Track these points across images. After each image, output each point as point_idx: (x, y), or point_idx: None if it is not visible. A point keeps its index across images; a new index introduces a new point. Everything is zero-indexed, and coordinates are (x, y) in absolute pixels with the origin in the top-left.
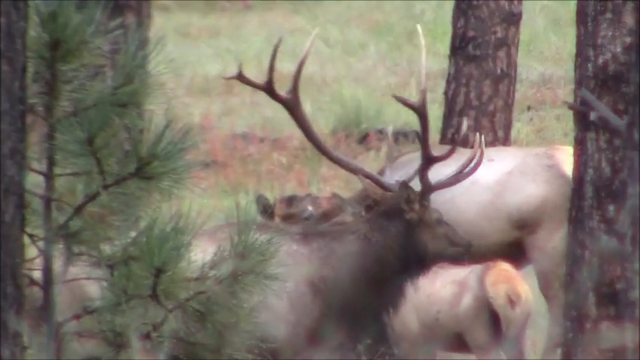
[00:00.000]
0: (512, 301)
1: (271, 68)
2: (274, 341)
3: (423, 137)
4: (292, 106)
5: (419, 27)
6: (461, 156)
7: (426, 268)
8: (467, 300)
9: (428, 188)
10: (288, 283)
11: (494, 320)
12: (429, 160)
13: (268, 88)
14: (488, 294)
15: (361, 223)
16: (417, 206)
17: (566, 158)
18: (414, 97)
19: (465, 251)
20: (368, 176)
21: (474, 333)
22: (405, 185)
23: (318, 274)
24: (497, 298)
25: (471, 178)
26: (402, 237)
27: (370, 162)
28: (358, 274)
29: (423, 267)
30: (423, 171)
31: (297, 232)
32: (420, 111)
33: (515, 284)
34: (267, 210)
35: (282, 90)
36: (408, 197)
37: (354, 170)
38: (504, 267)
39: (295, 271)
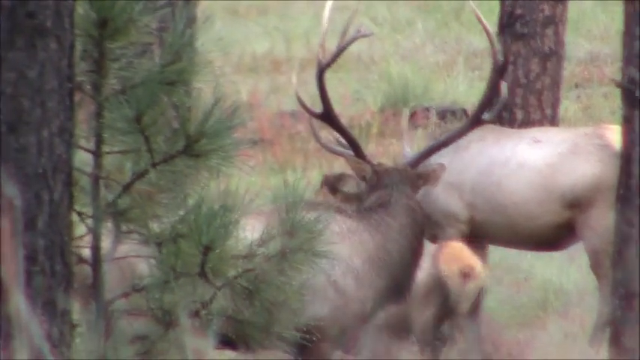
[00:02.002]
0: (465, 275)
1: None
2: (336, 321)
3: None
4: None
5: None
6: (500, 133)
7: None
8: (421, 278)
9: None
10: (354, 259)
11: (443, 306)
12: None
13: (326, 116)
14: (442, 272)
15: (399, 195)
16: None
17: (616, 137)
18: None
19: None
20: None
21: (422, 315)
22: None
23: (381, 249)
24: (451, 276)
25: (517, 160)
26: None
27: (418, 140)
28: (414, 243)
29: None
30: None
31: (352, 209)
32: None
33: (467, 260)
34: (334, 188)
35: (330, 67)
36: (430, 174)
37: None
38: (457, 245)
39: (360, 247)
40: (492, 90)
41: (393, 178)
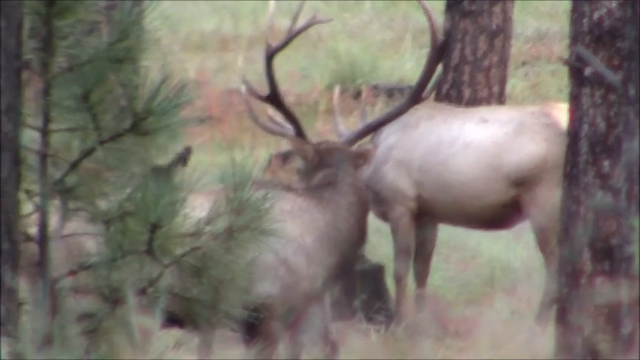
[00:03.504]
0: None
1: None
2: (286, 300)
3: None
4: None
5: None
6: (449, 113)
7: None
8: None
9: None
10: (305, 237)
11: None
12: None
13: (273, 98)
14: None
15: (344, 174)
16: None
17: (562, 116)
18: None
19: None
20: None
21: None
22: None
23: (332, 226)
24: None
25: (464, 139)
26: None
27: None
28: (360, 221)
29: None
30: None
31: (302, 187)
32: (272, 100)
33: None
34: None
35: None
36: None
37: (284, 135)
38: None
39: (311, 225)
40: (431, 69)
41: (335, 158)
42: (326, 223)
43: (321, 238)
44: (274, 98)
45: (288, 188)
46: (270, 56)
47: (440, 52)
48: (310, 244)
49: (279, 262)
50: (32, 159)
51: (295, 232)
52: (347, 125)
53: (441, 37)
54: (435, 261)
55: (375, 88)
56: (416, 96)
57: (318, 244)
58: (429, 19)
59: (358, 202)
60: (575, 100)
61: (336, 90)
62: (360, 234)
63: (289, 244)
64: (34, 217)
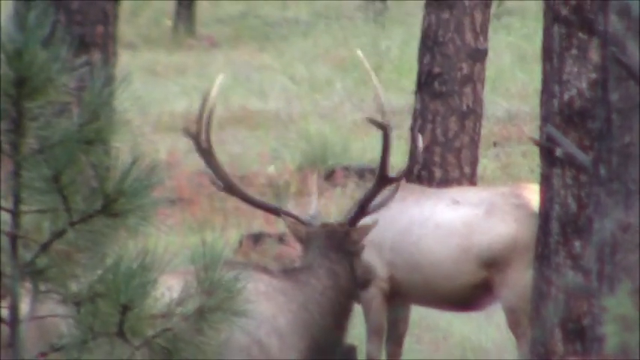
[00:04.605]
0: None
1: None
2: None
3: (385, 153)
4: (204, 151)
5: (359, 52)
6: (421, 194)
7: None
8: None
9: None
10: (279, 319)
11: None
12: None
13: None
14: None
15: (322, 258)
16: (356, 237)
17: (533, 197)
18: (379, 135)
19: (370, 277)
20: (289, 214)
21: None
22: (307, 221)
23: (305, 310)
24: None
25: (435, 220)
26: (352, 268)
27: (337, 198)
28: (336, 307)
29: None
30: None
31: (277, 268)
32: (386, 128)
33: None
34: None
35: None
36: (352, 236)
37: (274, 211)
38: None
39: (284, 307)
40: (386, 150)
41: (319, 241)
42: (298, 305)
43: (294, 320)
44: (230, 189)
45: (264, 269)
46: (206, 156)
47: (387, 133)
48: (283, 326)
49: (252, 343)
50: (3, 240)
51: (268, 313)
52: (319, 207)
53: (386, 121)
54: (408, 342)
55: (346, 169)
56: (382, 178)
57: (291, 327)
58: (378, 96)
59: (334, 287)
60: (546, 181)
61: (314, 176)
62: (335, 319)
63: (263, 324)
64: (6, 299)
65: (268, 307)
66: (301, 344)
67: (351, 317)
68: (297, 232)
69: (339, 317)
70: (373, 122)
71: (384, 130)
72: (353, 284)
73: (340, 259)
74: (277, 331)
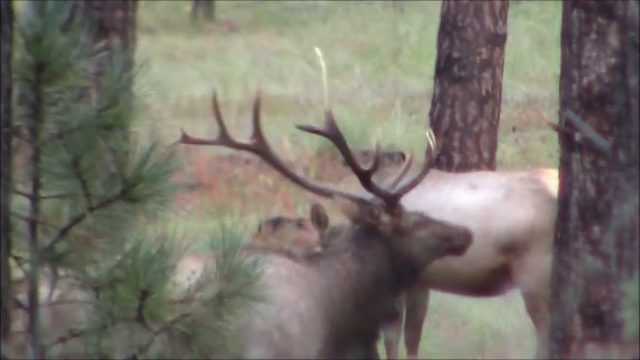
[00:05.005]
0: None
1: (218, 117)
2: None
3: (346, 156)
4: (260, 150)
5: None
6: (439, 178)
7: (418, 274)
8: None
9: (387, 197)
10: (300, 304)
11: None
12: (363, 174)
13: (225, 141)
14: None
15: (350, 242)
16: (386, 218)
17: (551, 182)
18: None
19: (464, 241)
20: (346, 197)
21: None
22: (362, 201)
23: (327, 295)
24: None
25: (453, 204)
26: (387, 250)
27: (356, 183)
28: (359, 293)
29: (415, 274)
30: (368, 185)
31: (300, 253)
32: (330, 134)
33: None
34: (321, 220)
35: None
36: (372, 212)
37: (330, 194)
38: None
39: (307, 292)
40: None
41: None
42: (321, 290)
43: (317, 306)
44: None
45: (287, 253)
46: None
47: (430, 166)
48: (304, 311)
49: (274, 328)
50: (22, 226)
51: (291, 298)
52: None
53: (434, 154)
54: (426, 327)
55: (365, 154)
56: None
57: (313, 312)
58: (430, 138)
59: (359, 272)
60: (565, 166)
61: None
62: (356, 306)
63: (284, 309)
64: (25, 284)
65: (290, 291)
66: (323, 330)
67: (381, 305)
68: (349, 211)
69: (363, 304)
70: (310, 130)
71: (331, 135)
72: (385, 270)
73: (370, 244)
74: (299, 316)
